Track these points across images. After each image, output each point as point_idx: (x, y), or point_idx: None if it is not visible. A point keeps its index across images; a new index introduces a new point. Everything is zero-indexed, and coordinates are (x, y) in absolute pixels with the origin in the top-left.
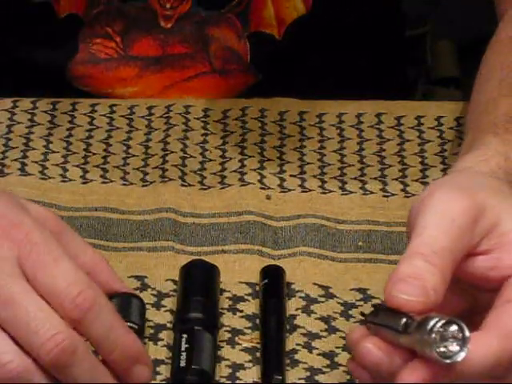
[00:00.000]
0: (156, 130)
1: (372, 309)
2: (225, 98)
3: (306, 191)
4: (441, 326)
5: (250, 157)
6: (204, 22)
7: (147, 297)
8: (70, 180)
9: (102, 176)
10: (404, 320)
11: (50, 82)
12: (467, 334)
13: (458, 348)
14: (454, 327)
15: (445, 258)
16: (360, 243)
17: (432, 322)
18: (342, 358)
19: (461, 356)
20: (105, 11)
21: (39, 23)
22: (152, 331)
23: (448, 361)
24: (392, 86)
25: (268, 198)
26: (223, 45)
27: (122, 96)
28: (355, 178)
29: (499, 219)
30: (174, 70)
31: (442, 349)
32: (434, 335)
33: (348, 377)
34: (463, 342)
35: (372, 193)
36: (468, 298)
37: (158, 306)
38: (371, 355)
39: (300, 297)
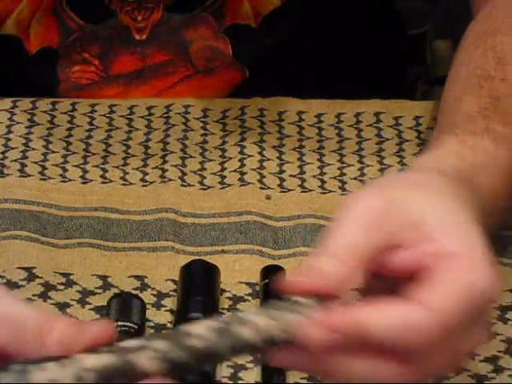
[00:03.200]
0: (156, 130)
1: None
2: (215, 98)
3: (305, 191)
4: None
5: (249, 156)
6: (178, 27)
7: (147, 297)
8: (70, 180)
9: (101, 176)
10: None
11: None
12: None
13: None
14: None
15: (352, 253)
16: None
17: None
18: None
19: None
20: (79, 37)
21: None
22: (152, 331)
23: None
24: (392, 85)
25: (268, 197)
26: (202, 44)
27: None
28: (355, 178)
29: (421, 213)
30: (157, 80)
31: None
32: None
33: None
34: None
35: None
36: (389, 285)
37: (158, 306)
38: None
39: None
